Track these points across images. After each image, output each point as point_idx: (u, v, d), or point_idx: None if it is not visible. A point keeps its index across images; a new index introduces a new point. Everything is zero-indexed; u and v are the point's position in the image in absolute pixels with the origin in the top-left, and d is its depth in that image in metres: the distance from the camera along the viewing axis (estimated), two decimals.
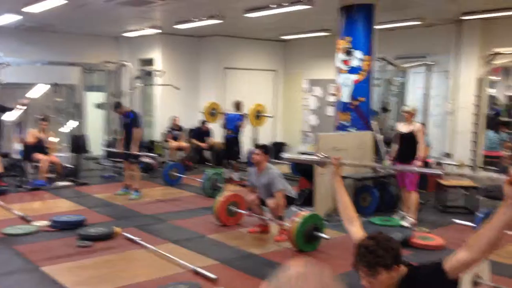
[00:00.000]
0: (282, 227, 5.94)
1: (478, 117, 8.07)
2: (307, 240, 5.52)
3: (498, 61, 8.20)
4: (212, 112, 10.10)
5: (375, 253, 2.06)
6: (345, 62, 7.79)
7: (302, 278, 1.01)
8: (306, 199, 7.45)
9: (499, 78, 10.36)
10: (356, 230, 2.59)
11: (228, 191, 7.42)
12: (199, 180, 8.62)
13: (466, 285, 3.61)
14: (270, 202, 5.92)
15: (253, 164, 6.16)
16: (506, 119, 10.41)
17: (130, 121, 8.13)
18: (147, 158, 9.80)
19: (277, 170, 6.02)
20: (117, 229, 5.97)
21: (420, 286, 2.12)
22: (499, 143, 9.29)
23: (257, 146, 6.35)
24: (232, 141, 9.52)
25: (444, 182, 7.61)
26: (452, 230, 6.37)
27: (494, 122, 9.86)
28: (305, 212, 5.71)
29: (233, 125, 9.75)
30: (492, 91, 9.87)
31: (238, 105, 10.01)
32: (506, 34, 8.93)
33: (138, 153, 8.13)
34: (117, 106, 8.36)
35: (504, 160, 8.02)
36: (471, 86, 9.14)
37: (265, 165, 6.00)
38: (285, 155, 3.56)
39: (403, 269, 2.13)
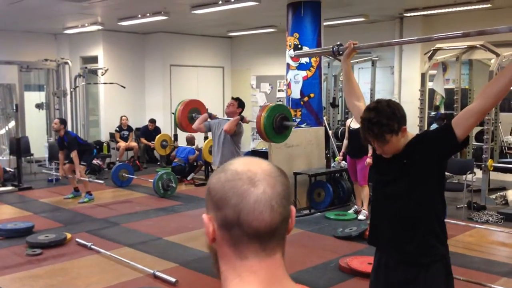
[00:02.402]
0: None
1: (423, 110, 8.36)
2: (277, 131, 5.45)
3: (439, 57, 8.53)
4: (163, 144, 9.95)
5: (379, 124, 2.23)
6: (294, 58, 7.86)
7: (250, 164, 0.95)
8: None
9: (435, 72, 10.77)
10: (362, 105, 2.69)
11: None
12: (150, 180, 8.45)
13: None
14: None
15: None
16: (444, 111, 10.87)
17: (66, 145, 7.81)
18: (95, 160, 9.52)
19: None
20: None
21: (428, 143, 2.29)
22: None
23: (233, 98, 6.19)
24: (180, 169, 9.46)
25: None
26: None
27: (435, 118, 10.27)
28: (270, 103, 5.69)
29: (185, 156, 9.62)
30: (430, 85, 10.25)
31: (191, 140, 9.94)
32: (446, 30, 9.21)
33: (83, 178, 7.83)
34: (63, 122, 7.98)
35: None
36: (414, 80, 9.47)
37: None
38: (294, 52, 3.50)
39: (410, 133, 2.34)
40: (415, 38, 3.88)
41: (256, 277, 0.92)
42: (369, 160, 6.68)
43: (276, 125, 5.41)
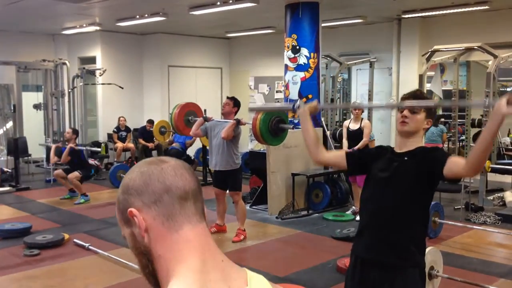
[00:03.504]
0: (239, 228, 5.93)
1: None
2: (273, 133, 5.46)
3: (437, 58, 8.55)
4: (162, 130, 9.90)
5: (423, 96, 2.59)
6: (292, 59, 7.86)
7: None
8: (258, 196, 7.49)
9: (433, 73, 10.79)
10: (332, 154, 2.87)
11: None
12: None
13: None
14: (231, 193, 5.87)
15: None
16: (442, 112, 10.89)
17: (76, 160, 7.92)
18: (91, 160, 9.49)
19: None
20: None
21: (423, 156, 2.37)
22: (438, 135, 9.69)
23: (228, 97, 6.17)
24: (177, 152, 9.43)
25: None
26: None
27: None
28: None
29: (182, 141, 9.63)
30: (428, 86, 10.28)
31: None
32: (444, 31, 9.32)
33: (75, 182, 7.85)
34: (75, 132, 8.15)
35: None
36: (412, 82, 9.47)
37: (231, 117, 5.79)
38: (252, 105, 3.33)
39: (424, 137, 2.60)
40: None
41: (192, 247, 0.95)
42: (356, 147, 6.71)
43: (272, 128, 5.41)
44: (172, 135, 10.03)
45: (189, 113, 6.39)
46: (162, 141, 10.19)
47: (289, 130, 5.73)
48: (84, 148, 8.48)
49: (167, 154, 9.30)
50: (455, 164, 2.27)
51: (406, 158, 2.39)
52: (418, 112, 2.40)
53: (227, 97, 6.10)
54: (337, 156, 2.70)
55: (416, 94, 2.49)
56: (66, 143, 8.01)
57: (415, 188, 2.37)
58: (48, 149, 9.82)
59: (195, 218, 0.97)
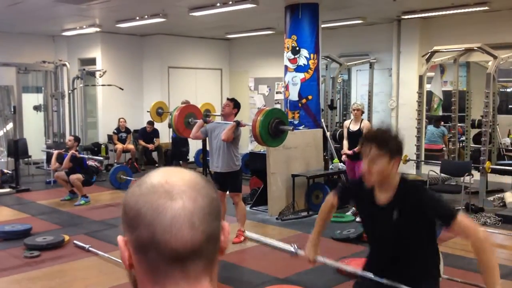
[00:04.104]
0: (239, 229, 5.92)
1: (420, 112, 8.37)
2: (272, 135, 5.44)
3: (437, 58, 8.56)
4: (159, 111, 9.84)
5: (384, 136, 2.26)
6: (292, 60, 7.87)
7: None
8: (258, 197, 7.49)
9: (433, 74, 10.81)
10: (326, 209, 2.75)
11: None
12: None
13: None
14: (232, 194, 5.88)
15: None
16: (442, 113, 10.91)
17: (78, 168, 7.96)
18: (91, 161, 9.49)
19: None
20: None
21: (422, 211, 2.26)
22: (438, 136, 9.71)
23: (228, 98, 6.18)
24: (180, 141, 9.37)
25: None
26: None
27: (433, 117, 10.29)
28: (267, 107, 5.66)
29: None
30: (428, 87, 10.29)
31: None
32: (444, 32, 9.32)
33: (76, 183, 7.87)
34: (77, 140, 8.22)
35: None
36: (412, 83, 9.49)
37: (231, 119, 5.81)
38: (249, 234, 3.27)
39: (398, 174, 2.31)
40: None
41: None
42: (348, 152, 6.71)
43: (272, 129, 5.41)
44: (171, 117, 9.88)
45: (189, 115, 6.40)
46: (159, 122, 10.03)
47: (288, 131, 5.74)
48: (86, 156, 8.50)
49: (174, 141, 9.26)
50: (462, 231, 2.24)
51: (395, 215, 2.29)
52: (378, 159, 2.23)
53: (227, 99, 6.11)
54: (333, 200, 2.69)
55: (377, 136, 2.30)
56: (68, 150, 8.01)
57: (417, 235, 2.34)
58: (48, 154, 9.82)
59: (184, 281, 0.80)
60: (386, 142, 2.24)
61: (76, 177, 7.78)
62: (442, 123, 9.87)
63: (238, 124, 5.64)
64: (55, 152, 8.25)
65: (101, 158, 9.41)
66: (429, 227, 2.36)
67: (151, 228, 0.77)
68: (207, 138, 6.15)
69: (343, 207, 7.37)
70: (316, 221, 2.78)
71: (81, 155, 8.18)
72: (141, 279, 0.82)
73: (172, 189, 0.79)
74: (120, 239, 0.82)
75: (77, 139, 8.21)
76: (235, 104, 5.91)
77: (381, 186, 2.32)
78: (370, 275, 2.43)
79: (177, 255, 0.78)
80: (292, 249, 2.73)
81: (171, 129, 9.93)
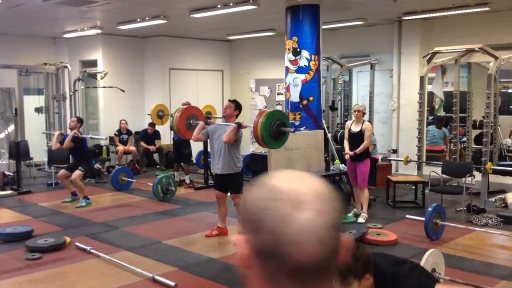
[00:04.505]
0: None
1: (421, 113, 8.37)
2: (274, 137, 5.45)
3: (438, 59, 8.55)
4: (159, 114, 9.84)
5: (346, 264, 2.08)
6: (293, 62, 7.87)
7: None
8: None
9: (434, 75, 10.82)
10: None
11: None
12: (149, 184, 8.44)
13: None
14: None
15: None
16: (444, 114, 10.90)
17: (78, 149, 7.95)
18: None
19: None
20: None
21: None
22: (440, 137, 9.70)
23: (230, 100, 6.19)
24: (181, 143, 9.37)
25: (393, 178, 7.85)
26: (403, 224, 6.54)
27: (433, 119, 10.29)
28: (268, 109, 5.67)
29: None
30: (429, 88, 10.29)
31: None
32: (445, 33, 9.32)
33: (78, 183, 7.85)
34: (80, 121, 8.16)
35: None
36: (413, 83, 9.48)
37: (233, 120, 5.81)
38: None
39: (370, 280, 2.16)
40: None
41: None
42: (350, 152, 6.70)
43: (274, 131, 5.41)
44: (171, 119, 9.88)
45: (190, 116, 6.40)
46: (160, 124, 10.04)
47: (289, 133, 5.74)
48: (88, 136, 8.48)
49: (176, 143, 9.30)
50: None
51: None
52: (349, 282, 2.11)
53: (229, 100, 6.13)
54: None
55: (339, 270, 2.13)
56: (70, 131, 8.03)
57: None
58: (50, 155, 9.84)
59: None
60: (349, 271, 2.12)
61: (77, 175, 7.77)
62: (443, 123, 9.84)
63: (240, 126, 5.64)
64: (57, 132, 8.25)
65: (104, 138, 9.33)
66: None
67: (274, 237, 0.73)
68: (208, 140, 6.15)
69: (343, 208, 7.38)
70: None
71: (83, 136, 8.16)
72: (256, 283, 0.78)
73: (299, 198, 0.75)
74: (240, 238, 0.78)
75: (80, 120, 8.15)
76: (237, 106, 5.92)
77: None
78: None
79: (300, 268, 0.74)
80: None
81: (172, 131, 9.94)
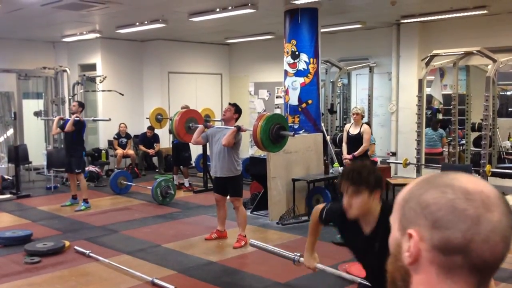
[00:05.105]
0: (240, 233, 5.92)
1: (420, 116, 8.38)
2: (273, 140, 5.44)
3: (436, 62, 8.56)
4: (158, 118, 9.83)
5: (361, 173, 2.28)
6: (291, 65, 7.88)
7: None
8: (258, 202, 7.48)
9: (433, 77, 10.84)
10: (314, 225, 2.84)
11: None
12: (148, 187, 8.44)
13: None
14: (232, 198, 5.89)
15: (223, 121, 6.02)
16: (441, 117, 10.92)
17: (74, 125, 7.91)
18: (92, 167, 9.52)
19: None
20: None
21: None
22: (437, 139, 9.70)
23: (230, 103, 6.20)
24: (181, 147, 9.37)
25: (392, 181, 7.85)
26: None
27: (431, 120, 10.30)
28: (267, 113, 5.67)
29: None
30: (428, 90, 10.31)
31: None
32: (443, 36, 9.34)
33: (83, 184, 7.92)
34: (81, 105, 8.16)
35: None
36: (411, 86, 9.49)
37: (232, 124, 5.84)
38: (253, 242, 3.42)
39: (379, 204, 2.32)
40: None
41: None
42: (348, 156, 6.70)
43: (273, 135, 5.42)
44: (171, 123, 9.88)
45: (189, 120, 6.40)
46: (159, 128, 10.02)
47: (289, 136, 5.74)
48: (90, 118, 8.44)
49: (175, 147, 9.31)
50: None
51: (376, 246, 2.30)
52: (357, 195, 2.27)
53: (229, 104, 6.14)
54: (315, 225, 2.81)
55: (353, 176, 2.30)
56: (71, 116, 8.03)
57: None
58: (49, 158, 9.84)
59: None
60: (363, 179, 2.27)
61: (80, 177, 7.86)
62: (440, 124, 9.86)
63: (239, 129, 5.65)
64: (56, 117, 8.25)
65: (106, 119, 9.25)
66: None
67: (467, 235, 0.78)
68: (207, 143, 6.16)
69: None
70: (308, 235, 2.89)
71: (84, 120, 8.16)
72: (427, 277, 0.82)
73: (487, 200, 0.80)
74: (414, 232, 0.82)
75: (81, 105, 8.16)
76: (236, 109, 5.93)
77: (363, 218, 2.36)
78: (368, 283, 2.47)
79: (484, 266, 0.80)
80: (294, 257, 2.90)
81: (171, 135, 9.93)
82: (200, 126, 6.06)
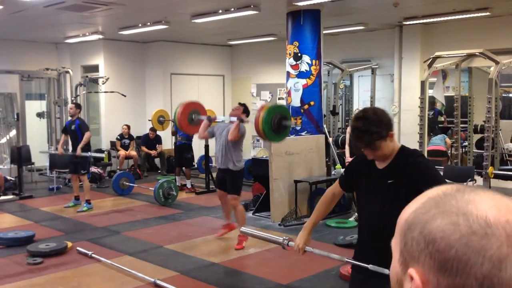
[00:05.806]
0: (240, 234, 5.92)
1: (423, 118, 8.37)
2: (275, 130, 5.46)
3: (439, 64, 8.55)
4: (160, 119, 9.86)
5: (368, 132, 2.30)
6: (294, 67, 7.88)
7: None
8: (261, 204, 7.48)
9: (435, 79, 10.83)
10: (332, 192, 2.78)
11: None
12: (151, 188, 8.45)
13: None
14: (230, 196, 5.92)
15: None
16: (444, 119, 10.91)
17: (76, 128, 7.98)
18: (94, 168, 9.53)
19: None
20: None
21: (415, 179, 2.30)
22: (440, 139, 9.68)
23: (240, 103, 6.28)
24: (183, 148, 9.39)
25: None
26: None
27: (433, 122, 10.27)
28: (268, 104, 5.69)
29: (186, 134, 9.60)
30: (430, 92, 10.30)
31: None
32: (445, 38, 9.33)
33: (86, 184, 7.96)
34: (78, 107, 8.19)
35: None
36: (414, 88, 9.49)
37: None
38: (244, 229, 3.42)
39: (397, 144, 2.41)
40: None
41: None
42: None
43: (275, 125, 5.45)
44: (173, 125, 9.93)
45: (192, 111, 6.40)
46: (161, 130, 10.05)
47: (292, 137, 5.75)
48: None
49: (177, 148, 9.33)
50: None
51: (390, 178, 2.38)
52: (377, 144, 2.32)
53: (239, 103, 6.27)
54: (335, 190, 2.76)
55: (365, 117, 2.35)
56: (70, 118, 8.08)
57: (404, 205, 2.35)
58: (51, 157, 9.87)
59: None
60: (375, 136, 2.30)
61: (83, 177, 7.89)
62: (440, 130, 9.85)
63: (241, 121, 5.77)
64: (62, 136, 8.38)
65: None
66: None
67: (485, 284, 0.59)
68: (209, 140, 6.21)
69: (345, 213, 7.39)
70: (315, 210, 2.84)
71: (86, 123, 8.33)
72: None
73: None
74: (413, 272, 0.65)
75: (78, 106, 8.15)
76: (245, 109, 6.04)
77: (383, 158, 2.44)
78: (356, 262, 2.51)
79: None
80: (282, 241, 2.78)
81: (173, 136, 9.95)
82: (205, 121, 6.10)
